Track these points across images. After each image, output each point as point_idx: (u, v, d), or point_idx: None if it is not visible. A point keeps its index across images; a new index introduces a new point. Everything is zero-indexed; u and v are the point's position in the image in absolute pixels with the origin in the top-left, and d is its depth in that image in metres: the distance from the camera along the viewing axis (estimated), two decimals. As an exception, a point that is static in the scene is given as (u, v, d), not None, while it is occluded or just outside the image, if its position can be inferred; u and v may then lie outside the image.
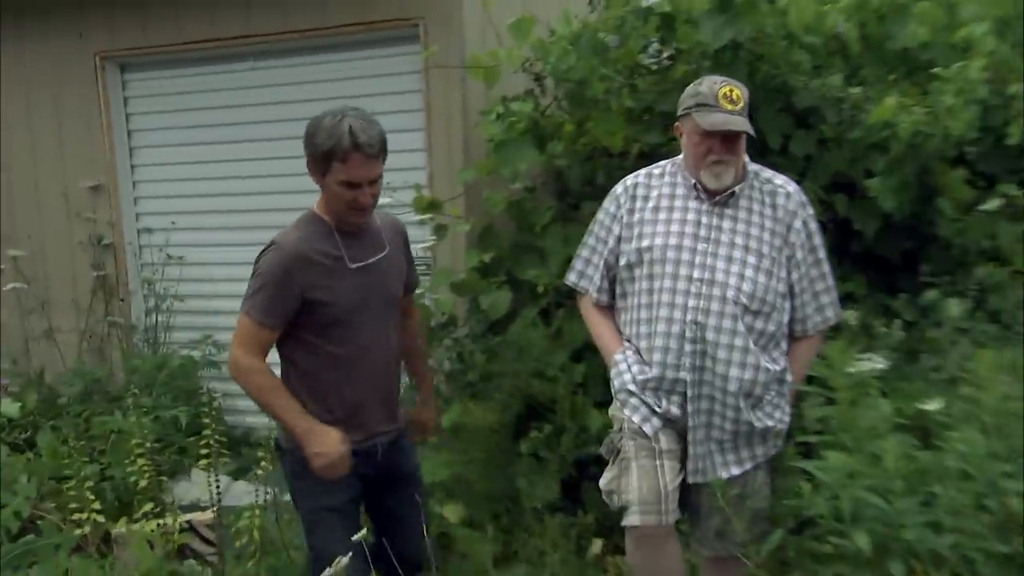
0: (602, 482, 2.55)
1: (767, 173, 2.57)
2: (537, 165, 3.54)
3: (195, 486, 3.98)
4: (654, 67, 3.58)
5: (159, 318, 4.95)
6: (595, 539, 3.32)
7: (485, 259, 3.66)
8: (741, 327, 2.39)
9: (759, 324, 2.43)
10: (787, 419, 2.52)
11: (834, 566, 2.27)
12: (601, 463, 2.74)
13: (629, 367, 2.49)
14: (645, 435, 2.44)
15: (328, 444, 2.38)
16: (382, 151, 2.33)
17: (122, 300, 5.10)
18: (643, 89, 3.50)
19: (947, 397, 2.39)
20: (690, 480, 2.48)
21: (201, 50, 4.74)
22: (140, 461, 3.60)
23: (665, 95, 3.44)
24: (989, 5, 3.82)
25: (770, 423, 2.47)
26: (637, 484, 2.40)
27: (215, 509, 3.39)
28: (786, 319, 2.52)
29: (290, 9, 4.42)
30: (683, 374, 2.41)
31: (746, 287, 2.41)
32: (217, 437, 3.48)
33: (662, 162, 2.62)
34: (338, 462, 2.40)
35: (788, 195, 2.52)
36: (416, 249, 3.81)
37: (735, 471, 2.48)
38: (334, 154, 2.27)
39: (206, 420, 3.54)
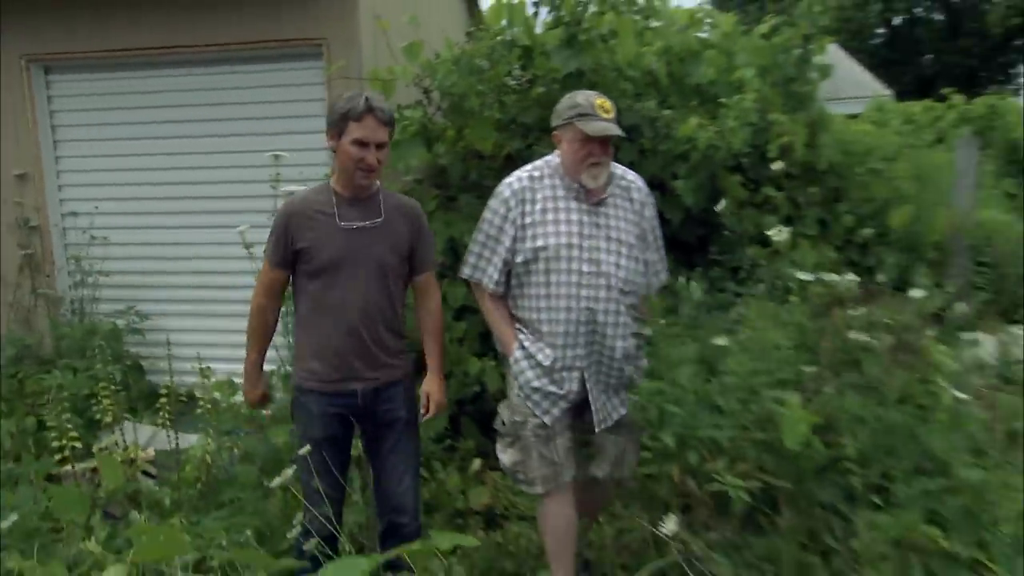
0: (505, 461, 2.51)
1: (619, 170, 2.55)
2: (425, 162, 3.57)
3: (125, 435, 3.77)
4: (517, 87, 3.68)
5: (84, 291, 4.61)
6: (475, 459, 3.40)
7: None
8: (621, 307, 2.42)
9: (630, 300, 2.47)
10: (643, 363, 2.54)
11: (651, 464, 2.49)
12: (485, 409, 2.78)
13: (530, 365, 2.43)
14: (545, 425, 2.44)
15: (252, 392, 2.50)
16: (390, 124, 2.30)
17: (48, 276, 4.70)
18: (509, 104, 3.59)
19: (730, 337, 2.57)
20: (597, 430, 2.49)
21: (124, 57, 4.45)
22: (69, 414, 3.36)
23: (526, 110, 3.57)
24: (754, 55, 4.21)
25: (638, 375, 2.52)
26: (538, 466, 2.42)
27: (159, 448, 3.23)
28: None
29: (209, 25, 4.24)
30: (580, 351, 2.41)
31: (622, 274, 2.42)
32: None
33: (535, 164, 2.52)
34: (252, 404, 2.52)
35: (639, 189, 2.54)
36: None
37: (623, 411, 2.52)
38: (350, 114, 2.23)
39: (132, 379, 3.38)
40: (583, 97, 2.37)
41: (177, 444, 3.12)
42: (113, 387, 3.58)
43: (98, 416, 3.57)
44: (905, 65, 24.05)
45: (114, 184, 4.67)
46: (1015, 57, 25.13)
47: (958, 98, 8.31)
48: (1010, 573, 2.51)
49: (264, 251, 2.40)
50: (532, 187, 2.42)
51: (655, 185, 3.61)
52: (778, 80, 4.00)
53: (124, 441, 3.42)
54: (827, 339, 2.49)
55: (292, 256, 2.33)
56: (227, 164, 4.45)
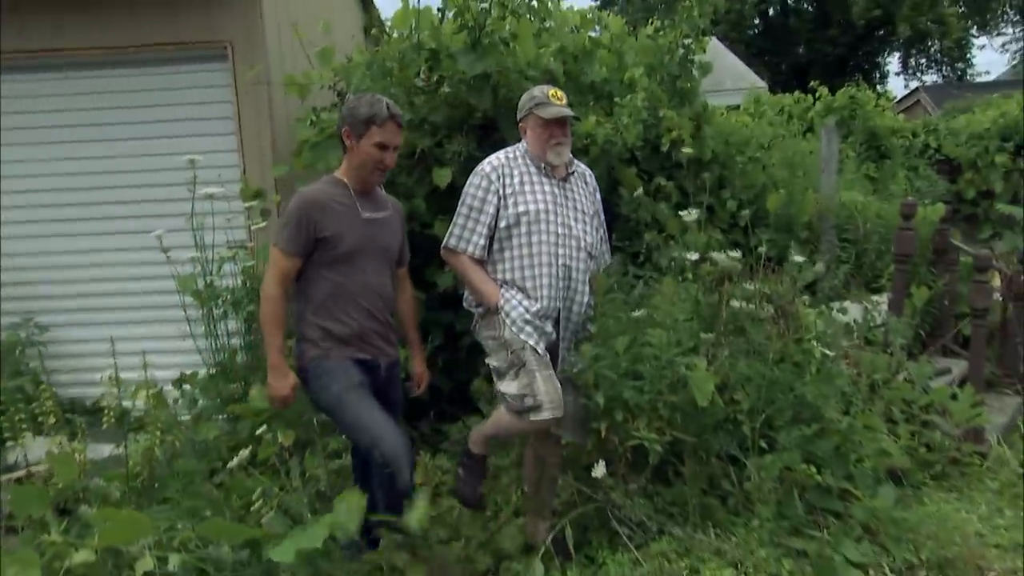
0: (510, 389, 2.67)
1: (574, 160, 2.92)
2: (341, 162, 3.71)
3: (29, 450, 3.76)
4: (425, 88, 3.90)
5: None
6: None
7: (299, 237, 3.80)
8: (585, 266, 2.78)
9: (592, 264, 2.84)
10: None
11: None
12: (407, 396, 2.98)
13: (520, 302, 2.70)
14: (538, 353, 2.68)
15: (279, 384, 2.50)
16: (403, 127, 2.59)
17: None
18: (418, 105, 3.81)
19: (646, 310, 2.96)
20: (560, 375, 2.75)
21: (14, 60, 4.36)
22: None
23: (435, 109, 3.81)
24: (642, 55, 4.67)
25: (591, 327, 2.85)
26: (545, 388, 2.63)
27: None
28: None
29: (102, 26, 4.23)
30: (557, 303, 2.73)
31: (588, 239, 2.80)
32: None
33: (506, 150, 2.84)
34: (280, 400, 2.52)
35: (591, 175, 2.98)
36: (248, 230, 3.94)
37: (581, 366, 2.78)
38: (374, 119, 2.46)
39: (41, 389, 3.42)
40: (538, 90, 2.79)
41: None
42: (18, 401, 3.58)
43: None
44: (780, 55, 25.93)
45: (13, 192, 4.57)
46: (878, 47, 27.64)
47: (823, 89, 9.29)
48: (872, 499, 3.07)
49: (276, 240, 2.51)
50: (509, 164, 2.76)
51: (560, 178, 4.05)
52: (664, 78, 4.47)
53: (26, 459, 3.45)
54: (718, 311, 2.94)
55: (312, 245, 2.48)
56: (133, 169, 4.46)
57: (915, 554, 2.81)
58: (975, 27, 25.10)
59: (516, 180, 2.72)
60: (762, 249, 3.34)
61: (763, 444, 3.06)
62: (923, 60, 27.85)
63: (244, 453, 2.39)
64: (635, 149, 4.02)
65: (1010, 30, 24.76)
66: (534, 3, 4.40)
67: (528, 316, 2.68)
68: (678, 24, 4.32)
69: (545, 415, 2.63)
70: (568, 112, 2.74)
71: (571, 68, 4.32)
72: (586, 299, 2.80)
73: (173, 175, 4.01)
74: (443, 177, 3.55)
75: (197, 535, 2.10)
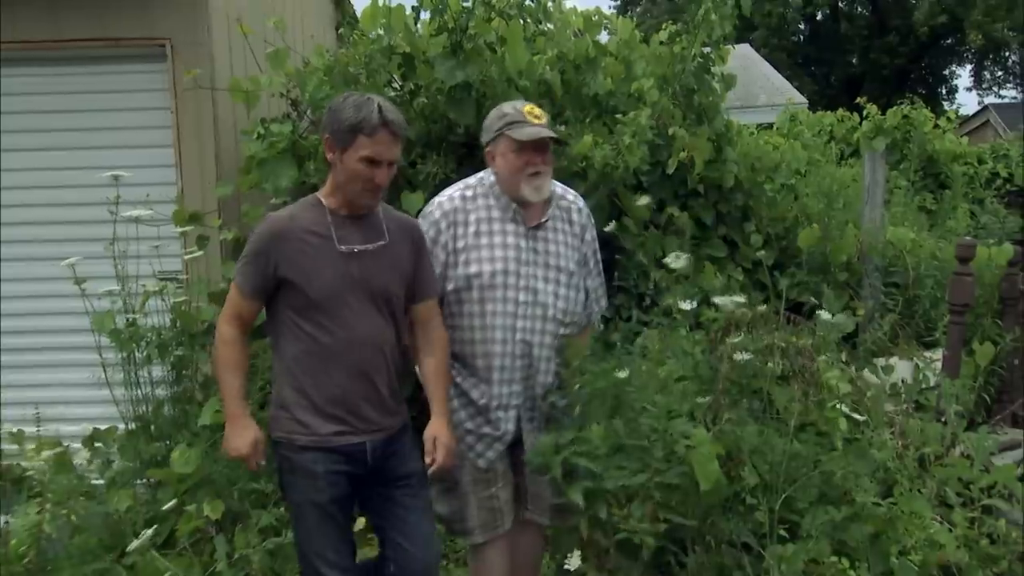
0: (441, 511, 2.66)
1: (559, 188, 2.71)
2: (295, 183, 3.75)
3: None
4: (398, 99, 3.96)
5: None
6: (359, 518, 3.53)
7: (243, 269, 3.82)
8: (553, 340, 2.63)
9: (563, 330, 2.66)
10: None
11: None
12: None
13: (462, 404, 2.61)
14: (479, 468, 2.62)
15: (237, 440, 2.37)
16: (403, 136, 2.35)
17: None
18: None
19: (634, 368, 2.84)
20: (530, 468, 2.61)
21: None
22: None
23: (408, 124, 3.84)
24: (654, 64, 4.73)
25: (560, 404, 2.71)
26: (477, 513, 2.61)
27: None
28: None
29: (16, 17, 4.25)
30: (516, 387, 2.59)
31: (560, 304, 2.61)
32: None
33: (467, 182, 2.67)
34: (244, 458, 2.40)
35: (580, 210, 2.74)
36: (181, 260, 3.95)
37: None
38: (362, 128, 2.23)
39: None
40: (510, 106, 2.58)
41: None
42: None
43: None
44: (830, 65, 26.32)
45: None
46: (945, 57, 28.06)
47: (871, 107, 9.39)
48: (917, 600, 3.02)
49: (234, 277, 2.41)
50: (464, 208, 2.58)
51: (552, 206, 4.09)
52: (678, 91, 4.53)
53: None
54: (723, 366, 2.93)
55: (274, 286, 2.33)
56: (46, 184, 4.41)
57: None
58: (1058, 37, 25.46)
59: (471, 230, 2.55)
60: (784, 290, 3.35)
61: (783, 531, 3.03)
62: (999, 73, 28.24)
63: (147, 533, 2.35)
64: (641, 174, 4.05)
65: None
66: (528, 2, 4.48)
67: (469, 424, 2.60)
68: (694, 30, 4.38)
69: (477, 539, 2.65)
70: (549, 133, 2.54)
71: (570, 78, 4.39)
72: (551, 379, 2.67)
73: (94, 193, 3.96)
74: (414, 203, 3.57)
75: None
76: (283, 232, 2.33)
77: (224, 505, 3.21)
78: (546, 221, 2.62)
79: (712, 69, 4.55)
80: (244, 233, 3.96)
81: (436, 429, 2.47)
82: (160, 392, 3.65)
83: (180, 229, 3.74)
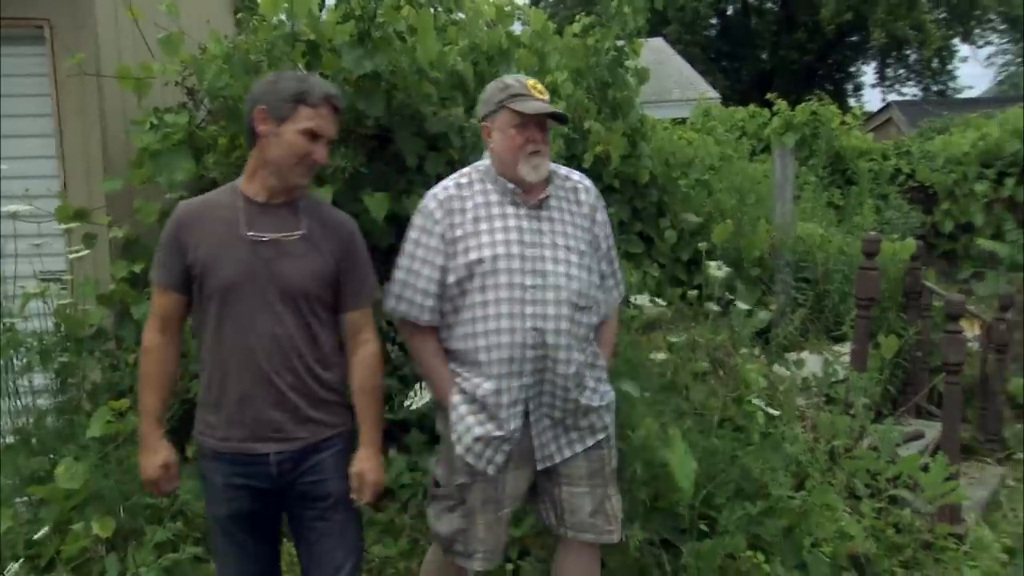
0: (441, 529, 2.53)
1: (563, 170, 2.61)
2: (192, 176, 3.64)
3: None
4: None
5: None
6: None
7: (135, 269, 3.69)
8: (572, 326, 2.45)
9: (585, 318, 2.50)
10: (610, 395, 2.61)
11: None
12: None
13: (470, 411, 2.46)
14: (493, 486, 2.47)
15: (144, 463, 2.29)
16: (341, 116, 2.30)
17: None
18: None
19: None
20: (539, 467, 2.52)
21: None
22: None
23: None
24: (568, 57, 4.80)
25: (595, 402, 2.54)
26: (484, 537, 2.48)
27: None
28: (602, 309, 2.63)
29: None
30: (526, 379, 2.43)
31: (574, 286, 2.46)
32: None
33: (460, 172, 2.58)
34: (147, 484, 2.31)
35: (587, 189, 2.59)
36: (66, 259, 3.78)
37: (578, 448, 2.55)
38: (305, 98, 2.16)
39: None
40: (512, 79, 2.48)
41: None
42: None
43: None
44: (741, 60, 27.17)
45: None
46: (851, 55, 29.31)
47: (781, 103, 9.77)
48: (828, 591, 3.15)
49: (151, 273, 2.33)
50: (460, 195, 2.48)
51: (466, 201, 4.10)
52: (593, 85, 4.61)
53: None
54: (639, 364, 3.00)
55: (185, 274, 2.24)
56: None
57: (879, 658, 2.91)
58: (957, 37, 26.92)
59: (469, 217, 2.44)
60: (709, 289, 3.45)
61: (703, 526, 3.12)
62: (901, 71, 29.67)
63: (14, 567, 2.23)
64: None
65: (996, 41, 26.72)
66: (440, -9, 4.48)
67: (479, 431, 2.43)
68: (608, 23, 4.46)
69: (477, 566, 2.49)
70: (552, 108, 2.44)
71: (483, 70, 4.41)
72: (574, 369, 2.47)
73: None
74: (322, 197, 3.50)
75: None
76: (191, 217, 2.26)
77: (115, 522, 3.10)
78: (547, 198, 2.50)
79: (626, 63, 4.63)
80: (136, 231, 3.84)
81: (362, 463, 2.32)
82: (42, 402, 3.49)
83: (64, 226, 3.58)
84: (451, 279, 2.42)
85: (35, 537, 2.97)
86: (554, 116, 2.45)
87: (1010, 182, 9.56)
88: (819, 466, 3.69)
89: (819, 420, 4.09)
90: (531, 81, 2.46)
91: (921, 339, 5.59)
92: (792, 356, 4.32)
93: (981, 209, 9.67)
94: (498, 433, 2.43)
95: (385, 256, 3.93)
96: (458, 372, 2.48)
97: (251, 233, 2.21)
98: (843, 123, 9.82)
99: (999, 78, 27.27)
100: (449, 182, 2.53)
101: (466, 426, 2.44)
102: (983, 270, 8.63)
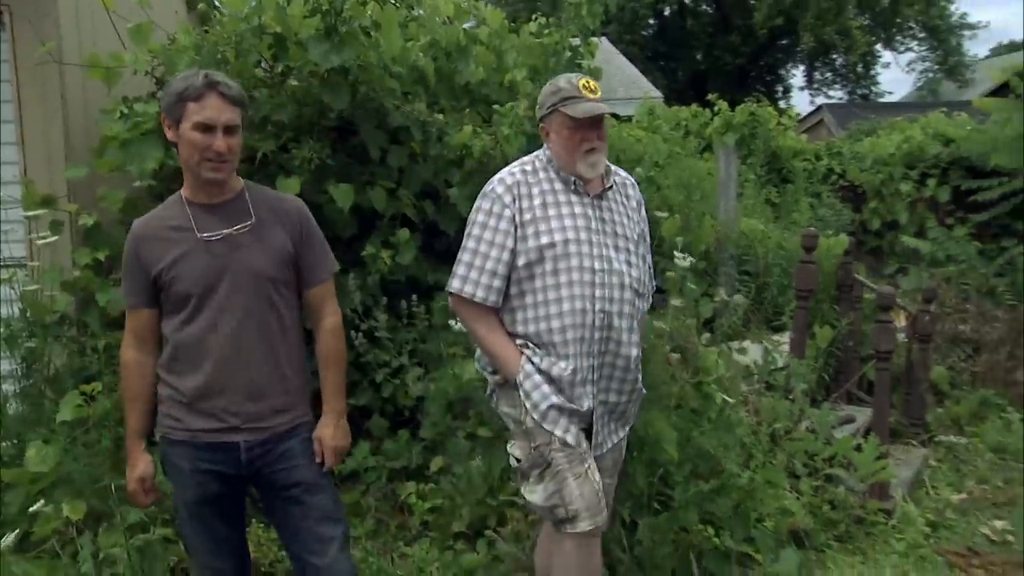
0: (535, 497, 2.52)
1: (611, 167, 2.66)
2: (162, 164, 3.61)
3: None
4: (269, 81, 3.91)
5: None
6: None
7: (100, 256, 3.67)
8: (633, 310, 2.55)
9: (641, 304, 2.62)
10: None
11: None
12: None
13: (541, 383, 2.48)
14: (570, 445, 2.48)
15: (128, 475, 2.42)
16: (240, 103, 2.28)
17: None
18: (260, 100, 3.78)
19: None
20: (595, 453, 2.57)
21: None
22: None
23: (280, 107, 3.81)
24: (525, 55, 4.89)
25: (643, 390, 2.68)
26: (579, 492, 2.45)
27: None
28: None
29: None
30: (594, 360, 2.50)
31: (635, 273, 2.56)
32: None
33: (523, 160, 2.63)
34: (129, 495, 2.44)
35: (634, 185, 2.72)
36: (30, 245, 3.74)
37: (615, 439, 2.67)
38: (187, 94, 2.19)
39: None
40: (564, 80, 2.54)
41: None
42: None
43: None
44: (677, 60, 27.63)
45: None
46: (781, 57, 30.03)
47: (722, 104, 10.05)
48: (773, 564, 3.34)
49: (122, 294, 2.41)
50: (527, 181, 2.52)
51: (428, 194, 4.16)
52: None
53: None
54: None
55: (152, 288, 2.31)
56: None
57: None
58: (880, 43, 27.81)
59: (537, 202, 2.49)
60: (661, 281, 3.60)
61: (658, 504, 3.28)
62: (828, 75, 30.50)
63: (10, 538, 2.26)
64: (516, 164, 4.20)
65: (916, 49, 27.65)
66: (401, -14, 4.53)
67: (555, 400, 2.47)
68: (565, 23, 4.58)
69: (583, 526, 2.47)
70: (604, 108, 2.51)
71: (443, 66, 4.47)
72: (635, 352, 2.58)
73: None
74: (290, 188, 3.54)
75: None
76: (145, 232, 2.33)
77: (86, 505, 3.11)
78: (608, 189, 2.59)
79: (581, 62, 4.75)
80: (102, 218, 3.82)
81: (322, 429, 2.43)
82: (7, 387, 3.46)
83: (29, 213, 3.55)
84: (521, 262, 2.47)
85: (13, 511, 2.97)
86: (606, 114, 2.52)
87: (932, 183, 9.97)
88: (762, 447, 3.90)
89: (761, 404, 4.30)
90: (582, 80, 2.52)
91: (853, 329, 5.85)
92: (735, 345, 4.51)
93: (905, 208, 10.05)
94: (573, 406, 2.49)
95: (347, 246, 4.02)
96: (529, 351, 2.51)
97: (204, 234, 2.29)
98: (779, 124, 10.13)
99: (919, 84, 28.24)
100: (515, 168, 2.58)
101: (542, 394, 2.47)
102: (907, 265, 8.98)
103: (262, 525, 3.56)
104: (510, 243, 2.47)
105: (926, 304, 5.61)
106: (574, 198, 2.52)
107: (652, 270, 2.78)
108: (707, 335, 3.94)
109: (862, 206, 10.32)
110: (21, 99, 4.03)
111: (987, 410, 5.65)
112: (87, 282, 3.68)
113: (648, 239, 2.75)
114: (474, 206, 2.57)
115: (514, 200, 2.49)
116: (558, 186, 2.53)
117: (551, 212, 2.48)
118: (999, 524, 4.14)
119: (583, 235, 2.48)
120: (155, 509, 3.24)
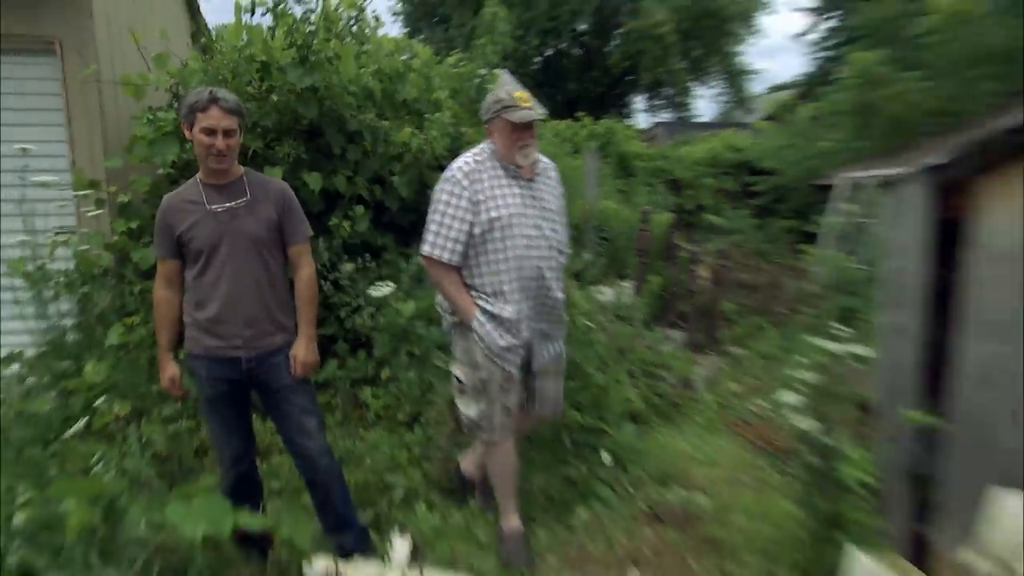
0: (468, 410, 2.53)
1: (540, 156, 2.62)
2: (178, 157, 3.54)
3: None
4: (257, 95, 3.82)
5: None
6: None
7: (132, 225, 3.58)
8: (558, 264, 2.58)
9: (564, 260, 2.63)
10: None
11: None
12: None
13: (494, 327, 2.47)
14: (509, 378, 2.49)
15: (161, 377, 2.42)
16: (237, 112, 2.29)
17: None
18: (251, 110, 3.71)
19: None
20: (535, 369, 2.60)
21: None
22: None
23: (266, 115, 3.75)
24: (447, 80, 4.90)
25: (566, 318, 2.73)
26: (501, 419, 2.51)
27: None
28: None
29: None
30: (531, 302, 2.51)
31: (559, 237, 2.57)
32: None
33: (473, 151, 2.55)
34: (167, 391, 2.44)
35: (555, 168, 2.68)
36: (78, 217, 3.59)
37: (558, 348, 2.69)
38: (197, 107, 2.22)
39: None
40: (504, 92, 2.49)
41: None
42: None
43: None
44: (556, 88, 27.60)
45: None
46: (628, 88, 30.44)
47: (587, 119, 10.22)
48: (618, 434, 3.53)
49: (154, 248, 2.42)
50: (478, 169, 2.46)
51: (377, 180, 4.11)
52: (465, 101, 4.75)
53: None
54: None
55: (177, 244, 2.33)
56: None
57: (646, 471, 3.31)
58: (695, 80, 28.58)
59: (486, 185, 2.44)
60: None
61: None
62: (660, 101, 31.10)
63: (80, 424, 2.25)
64: (442, 159, 4.20)
65: (719, 85, 28.62)
66: (354, 28, 4.45)
67: (503, 342, 2.46)
68: (475, 58, 4.61)
69: (496, 438, 2.53)
70: (535, 116, 2.47)
71: (387, 87, 4.41)
72: (560, 294, 2.59)
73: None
74: (274, 175, 3.49)
75: (42, 497, 1.96)
76: (171, 204, 2.33)
77: (131, 404, 3.09)
78: (537, 175, 2.56)
79: (487, 86, 4.80)
80: (134, 197, 3.71)
81: (296, 347, 2.41)
82: (66, 322, 3.36)
83: (80, 193, 3.40)
84: (477, 231, 2.43)
85: (68, 433, 2.92)
86: (535, 120, 2.48)
87: (727, 179, 10.45)
88: (612, 357, 4.07)
89: (613, 329, 4.50)
90: (517, 93, 2.47)
91: (673, 278, 6.14)
92: (596, 289, 4.68)
93: (710, 195, 10.50)
94: (516, 342, 2.49)
95: (317, 218, 3.99)
96: (483, 299, 2.48)
97: (212, 207, 2.30)
98: (627, 135, 10.37)
99: (720, 110, 29.20)
100: (468, 158, 2.49)
101: (492, 339, 2.46)
102: (710, 235, 9.41)
103: (260, 419, 3.57)
104: (469, 216, 2.41)
105: (721, 260, 5.91)
106: (513, 182, 2.48)
107: (567, 231, 2.77)
108: (576, 282, 4.07)
109: (681, 193, 10.72)
110: (70, 109, 3.84)
111: (758, 331, 5.95)
112: (123, 244, 3.60)
113: (565, 210, 2.70)
114: (438, 187, 2.48)
115: (471, 183, 2.43)
116: (501, 172, 2.47)
117: (497, 193, 2.44)
118: (762, 403, 4.45)
119: (521, 210, 2.45)
120: (181, 407, 3.25)
